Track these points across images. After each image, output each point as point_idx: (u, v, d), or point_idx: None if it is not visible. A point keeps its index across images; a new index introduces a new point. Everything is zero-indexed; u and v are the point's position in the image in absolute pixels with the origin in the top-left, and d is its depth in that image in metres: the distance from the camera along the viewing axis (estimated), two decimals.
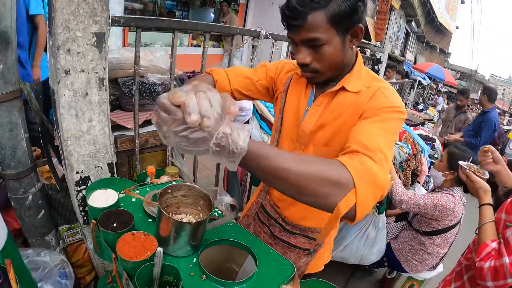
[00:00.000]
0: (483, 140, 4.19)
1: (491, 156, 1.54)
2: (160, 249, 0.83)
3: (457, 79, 20.11)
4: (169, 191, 1.00)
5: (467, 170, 1.56)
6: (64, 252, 1.76)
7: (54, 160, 1.64)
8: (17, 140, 1.38)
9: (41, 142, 1.56)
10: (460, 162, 1.65)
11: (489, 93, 4.27)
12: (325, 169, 0.65)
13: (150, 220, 1.10)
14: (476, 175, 1.54)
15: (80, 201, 1.47)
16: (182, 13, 7.11)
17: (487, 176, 1.59)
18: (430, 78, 11.53)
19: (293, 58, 1.09)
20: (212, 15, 7.55)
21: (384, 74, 5.38)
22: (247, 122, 2.20)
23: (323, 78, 1.02)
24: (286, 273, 0.96)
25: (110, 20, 1.26)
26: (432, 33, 16.36)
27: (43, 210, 1.58)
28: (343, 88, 1.01)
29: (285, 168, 0.62)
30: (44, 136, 1.54)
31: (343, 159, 0.70)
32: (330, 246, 1.44)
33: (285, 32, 1.01)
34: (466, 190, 2.17)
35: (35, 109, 1.41)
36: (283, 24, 0.94)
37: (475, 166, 1.61)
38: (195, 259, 0.93)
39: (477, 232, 1.38)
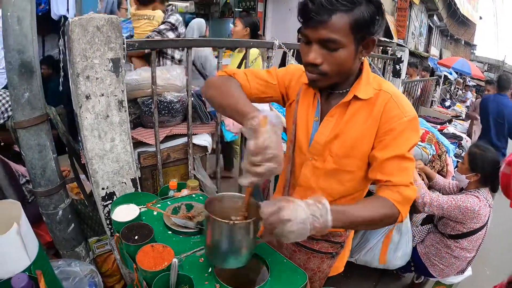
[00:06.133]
0: None
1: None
2: (175, 260, 0.88)
3: (485, 71, 19.12)
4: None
5: None
6: (94, 263, 1.85)
7: (82, 176, 1.75)
8: (46, 160, 1.48)
9: None
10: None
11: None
12: (380, 209, 0.95)
13: (169, 232, 1.17)
14: None
15: (106, 215, 1.56)
16: None
17: None
18: (456, 72, 11.12)
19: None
20: (232, 26, 7.63)
21: (406, 74, 5.24)
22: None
23: (327, 83, 1.02)
24: (299, 283, 0.98)
25: (125, 45, 1.34)
26: (455, 26, 15.80)
27: (73, 224, 1.69)
28: (355, 97, 1.03)
29: (359, 217, 0.92)
30: (71, 156, 1.64)
31: (387, 194, 0.97)
32: (349, 247, 1.45)
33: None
34: (494, 190, 2.10)
35: (61, 131, 1.51)
36: (299, 19, 0.92)
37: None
38: (210, 268, 0.98)
39: None
